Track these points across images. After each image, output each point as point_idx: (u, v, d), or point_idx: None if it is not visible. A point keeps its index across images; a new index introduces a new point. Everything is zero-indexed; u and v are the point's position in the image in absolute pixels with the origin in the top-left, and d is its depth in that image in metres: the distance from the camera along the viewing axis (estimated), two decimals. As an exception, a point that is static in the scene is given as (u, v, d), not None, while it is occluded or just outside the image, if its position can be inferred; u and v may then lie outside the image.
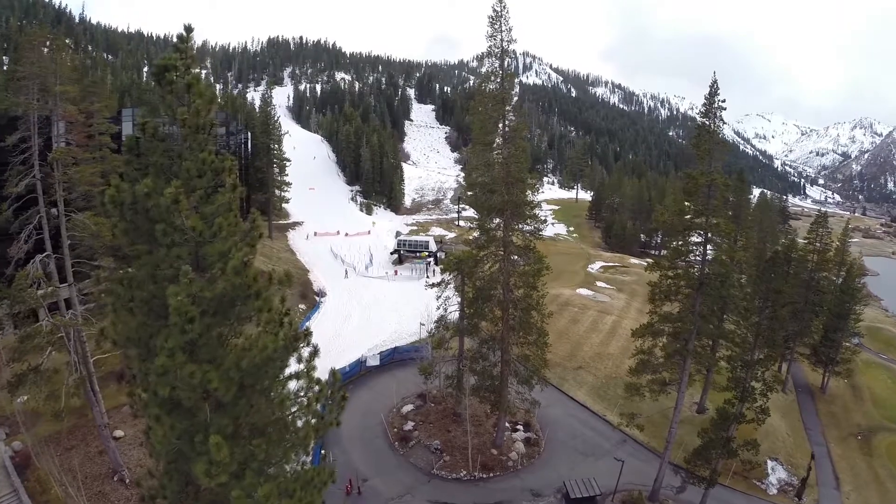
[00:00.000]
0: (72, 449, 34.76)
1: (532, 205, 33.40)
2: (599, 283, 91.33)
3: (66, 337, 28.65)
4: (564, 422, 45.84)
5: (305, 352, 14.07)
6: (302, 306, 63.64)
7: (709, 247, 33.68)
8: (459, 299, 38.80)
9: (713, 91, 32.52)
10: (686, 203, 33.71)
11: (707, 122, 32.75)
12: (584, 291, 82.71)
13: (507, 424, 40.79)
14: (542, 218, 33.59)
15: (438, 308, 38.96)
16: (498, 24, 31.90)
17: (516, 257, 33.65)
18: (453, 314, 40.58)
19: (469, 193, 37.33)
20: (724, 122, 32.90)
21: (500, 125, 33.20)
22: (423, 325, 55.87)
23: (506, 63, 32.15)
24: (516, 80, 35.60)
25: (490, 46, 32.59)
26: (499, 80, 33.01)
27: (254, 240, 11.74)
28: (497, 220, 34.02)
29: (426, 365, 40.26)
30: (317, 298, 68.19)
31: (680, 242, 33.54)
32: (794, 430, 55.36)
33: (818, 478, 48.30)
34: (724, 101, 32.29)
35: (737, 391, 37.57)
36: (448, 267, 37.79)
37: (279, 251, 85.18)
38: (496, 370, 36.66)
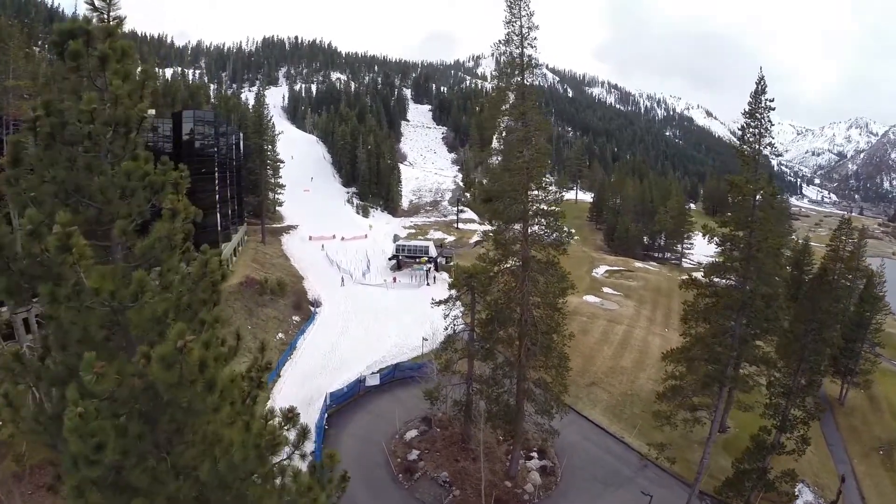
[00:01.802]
0: (43, 486, 31.14)
1: (556, 214, 29.34)
2: (606, 290, 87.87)
3: (21, 368, 24.90)
4: (581, 446, 42.21)
5: (292, 434, 10.37)
6: (296, 318, 59.84)
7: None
8: (469, 319, 35.10)
9: (760, 88, 28.77)
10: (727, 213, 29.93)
11: (753, 124, 28.96)
12: (591, 298, 79.20)
13: (520, 452, 37.06)
14: (567, 230, 29.54)
15: (446, 328, 35.10)
16: (517, 7, 27.80)
17: (537, 274, 29.69)
18: (459, 327, 36.96)
19: (480, 201, 33.48)
20: (773, 124, 29.18)
21: (519, 124, 29.11)
22: (427, 339, 52.28)
23: (525, 54, 28.19)
24: (513, 81, 31.61)
25: (508, 33, 28.46)
26: (517, 72, 28.88)
27: (210, 291, 8.02)
28: (515, 232, 30.08)
29: (432, 389, 36.40)
30: (311, 309, 64.28)
31: (721, 258, 29.75)
32: (817, 446, 52.00)
33: (844, 498, 45.27)
34: (772, 99, 28.60)
35: (776, 419, 34.19)
36: (457, 283, 33.74)
37: (272, 257, 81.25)
38: (511, 398, 32.90)
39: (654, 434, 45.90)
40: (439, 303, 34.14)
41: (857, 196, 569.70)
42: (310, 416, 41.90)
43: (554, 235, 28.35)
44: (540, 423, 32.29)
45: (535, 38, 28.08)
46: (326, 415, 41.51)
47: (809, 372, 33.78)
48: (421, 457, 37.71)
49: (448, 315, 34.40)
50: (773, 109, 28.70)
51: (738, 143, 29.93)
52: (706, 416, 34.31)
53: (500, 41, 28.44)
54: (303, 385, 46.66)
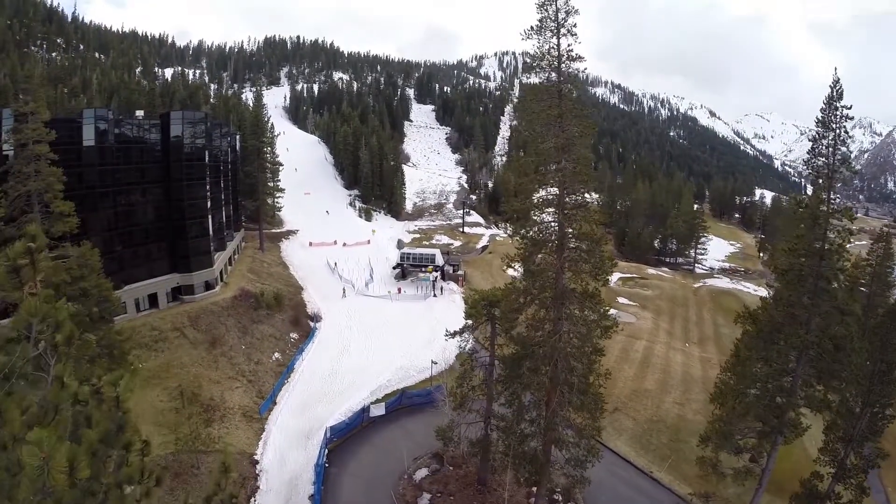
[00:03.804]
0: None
1: (596, 238, 24.42)
2: (621, 300, 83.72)
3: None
4: (607, 483, 37.83)
5: None
6: (294, 335, 55.50)
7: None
8: (489, 352, 30.71)
9: (835, 93, 24.17)
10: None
11: (826, 134, 24.49)
12: (606, 310, 74.76)
13: (544, 499, 32.69)
14: (611, 257, 24.76)
15: (463, 364, 30.65)
16: (554, -13, 23.63)
17: (574, 309, 25.08)
18: (476, 350, 32.65)
19: (504, 219, 28.80)
20: (850, 136, 24.70)
21: (556, 129, 24.03)
22: (436, 363, 48.21)
23: (562, 44, 23.57)
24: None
25: (542, 19, 23.72)
26: (555, 66, 23.96)
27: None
28: (546, 258, 25.47)
29: (445, 428, 32.13)
30: (311, 324, 59.95)
31: (789, 294, 25.22)
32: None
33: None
34: (849, 107, 24.12)
35: (833, 466, 30.03)
36: (476, 311, 29.15)
37: (270, 265, 77.02)
38: (537, 443, 28.43)
39: (684, 467, 41.96)
40: (454, 334, 29.65)
41: (861, 196, 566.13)
42: (309, 453, 37.88)
43: (592, 261, 23.55)
44: (572, 474, 27.73)
45: (575, 25, 23.43)
46: (327, 450, 37.42)
47: (872, 417, 29.51)
48: (433, 501, 33.51)
49: (463, 347, 30.01)
50: (851, 119, 24.28)
51: (808, 157, 25.40)
52: (756, 466, 30.13)
53: (531, 28, 23.71)
54: (301, 414, 42.55)
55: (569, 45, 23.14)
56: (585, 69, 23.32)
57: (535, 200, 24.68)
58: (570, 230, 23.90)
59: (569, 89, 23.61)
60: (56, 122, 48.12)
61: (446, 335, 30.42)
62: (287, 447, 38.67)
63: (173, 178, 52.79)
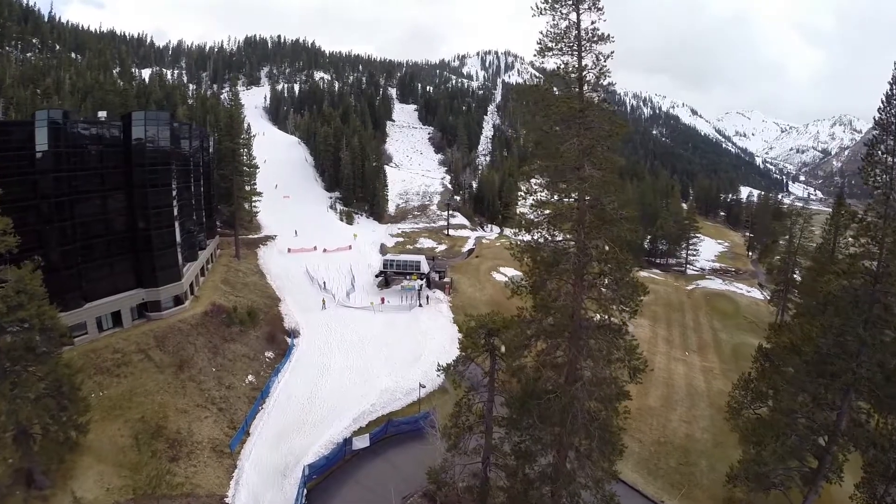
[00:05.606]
0: None
1: (626, 264, 20.18)
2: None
3: None
4: (615, 518, 34.37)
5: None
6: (269, 354, 51.05)
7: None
8: (487, 386, 26.67)
9: (894, 93, 20.43)
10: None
11: (886, 138, 20.76)
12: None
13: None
14: (641, 284, 20.43)
15: (458, 403, 26.65)
16: (573, -46, 19.38)
17: (593, 347, 21.00)
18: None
19: (515, 230, 24.47)
20: None
21: (576, 128, 19.77)
22: (424, 386, 44.37)
23: (583, 21, 19.18)
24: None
25: None
26: (574, 49, 19.67)
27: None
28: (560, 285, 21.33)
29: (437, 470, 28.22)
30: (288, 340, 55.52)
31: (842, 322, 21.48)
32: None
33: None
34: None
35: (872, 504, 26.63)
36: (472, 342, 24.85)
37: (246, 274, 72.31)
38: (546, 491, 24.58)
39: (698, 494, 38.68)
40: (446, 368, 25.58)
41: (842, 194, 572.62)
42: (286, 492, 33.79)
43: (621, 292, 19.41)
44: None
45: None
46: (306, 490, 33.40)
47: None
48: (424, 550, 29.74)
49: (454, 377, 26.00)
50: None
51: (863, 164, 21.74)
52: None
53: (544, 2, 19.60)
54: (277, 447, 38.30)
55: (592, 23, 18.94)
56: (612, 52, 19.05)
57: (549, 212, 20.46)
58: (593, 251, 19.82)
59: (594, 77, 19.41)
60: (4, 126, 43.80)
61: (438, 370, 26.32)
62: (262, 487, 34.51)
63: (136, 184, 48.12)
